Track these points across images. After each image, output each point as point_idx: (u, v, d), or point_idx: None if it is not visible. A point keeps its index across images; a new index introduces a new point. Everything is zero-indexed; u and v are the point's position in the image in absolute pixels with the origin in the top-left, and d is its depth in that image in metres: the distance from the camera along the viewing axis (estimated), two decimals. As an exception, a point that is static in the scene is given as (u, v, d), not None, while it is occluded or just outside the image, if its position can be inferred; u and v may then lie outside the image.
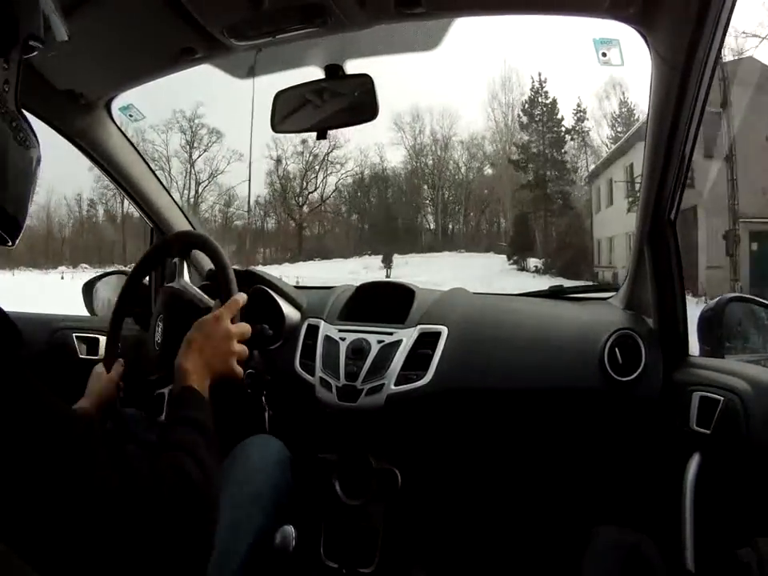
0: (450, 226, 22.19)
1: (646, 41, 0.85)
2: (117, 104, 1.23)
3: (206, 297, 0.93)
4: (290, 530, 0.83)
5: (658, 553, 0.93)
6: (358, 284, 1.34)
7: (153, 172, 1.40)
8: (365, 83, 1.03)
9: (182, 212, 1.48)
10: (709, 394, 0.92)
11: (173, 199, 1.47)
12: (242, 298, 0.83)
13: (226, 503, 0.77)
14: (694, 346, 1.08)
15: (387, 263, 18.40)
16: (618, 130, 18.15)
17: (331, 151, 21.82)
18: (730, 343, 1.11)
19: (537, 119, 19.11)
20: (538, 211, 18.45)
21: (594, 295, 1.34)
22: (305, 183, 22.16)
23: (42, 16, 0.57)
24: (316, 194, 22.43)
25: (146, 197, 1.39)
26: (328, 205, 22.73)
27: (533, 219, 18.57)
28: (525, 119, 19.43)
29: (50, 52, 0.59)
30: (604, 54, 0.96)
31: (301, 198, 22.44)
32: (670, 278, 1.05)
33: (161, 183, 1.43)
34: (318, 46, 1.01)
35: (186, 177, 21.22)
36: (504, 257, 18.36)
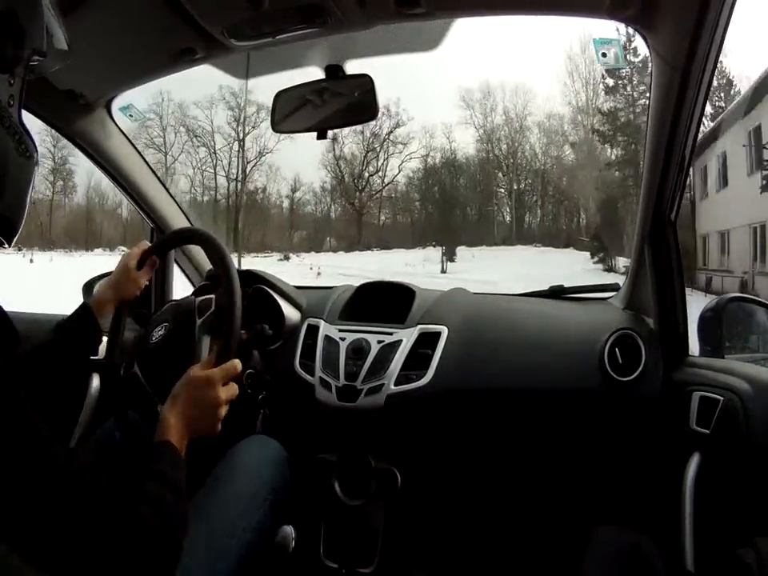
0: (526, 218, 19.73)
1: (646, 41, 0.85)
2: (117, 104, 1.23)
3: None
4: (290, 529, 0.83)
5: (657, 553, 0.93)
6: (357, 284, 1.34)
7: (153, 171, 1.40)
8: (365, 83, 1.03)
9: (182, 211, 1.49)
10: (708, 394, 0.92)
11: (172, 198, 1.47)
12: (238, 364, 0.79)
13: (221, 503, 0.77)
14: (694, 346, 1.08)
15: (449, 256, 17.16)
16: (720, 98, 14.59)
17: (393, 130, 19.75)
18: (729, 343, 1.11)
19: (624, 82, 15.96)
20: (628, 197, 15.05)
21: (594, 295, 1.34)
22: (364, 165, 20.07)
23: (45, 27, 0.59)
24: (377, 179, 20.37)
25: (145, 196, 1.39)
26: (390, 190, 20.62)
27: (622, 207, 15.30)
28: (610, 82, 16.30)
29: (52, 66, 0.61)
30: (604, 54, 0.96)
31: (360, 182, 20.33)
32: (670, 278, 1.05)
33: (161, 182, 1.43)
34: (318, 46, 1.01)
35: (230, 154, 19.86)
36: (587, 254, 15.89)
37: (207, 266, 1.50)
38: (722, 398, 0.89)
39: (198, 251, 1.51)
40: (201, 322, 0.93)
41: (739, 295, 1.13)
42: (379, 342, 1.12)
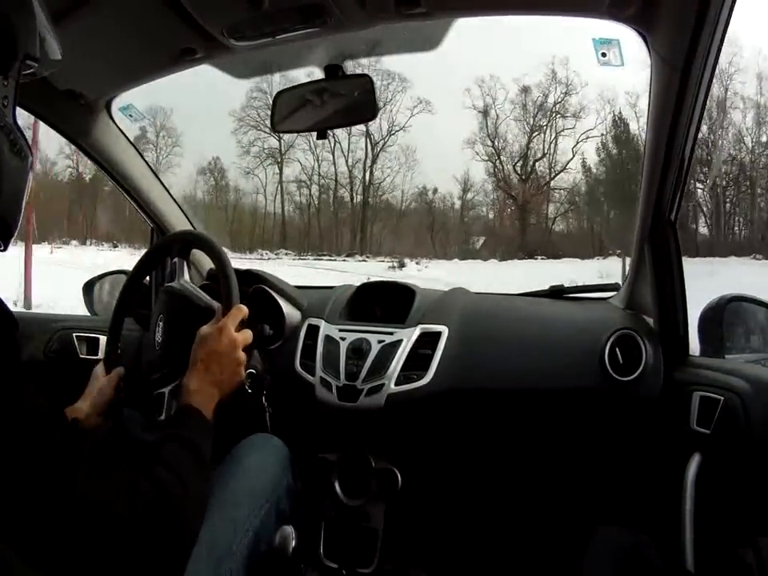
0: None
1: (646, 41, 0.85)
2: (117, 104, 1.23)
3: (206, 296, 0.93)
4: (290, 529, 0.82)
5: (657, 553, 0.93)
6: (358, 284, 1.34)
7: (153, 171, 1.41)
8: (365, 83, 1.03)
9: (182, 211, 1.49)
10: (709, 394, 0.92)
11: (173, 198, 1.47)
12: (244, 308, 0.82)
13: (225, 503, 0.77)
14: (694, 346, 1.08)
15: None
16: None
17: (562, 100, 14.86)
18: (730, 343, 1.11)
19: None
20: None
21: (595, 295, 1.34)
22: (529, 143, 15.01)
23: (38, 36, 0.59)
24: (542, 165, 15.13)
25: (146, 197, 1.39)
26: (562, 180, 15.18)
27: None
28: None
29: (45, 71, 0.61)
30: (604, 54, 0.95)
31: (521, 168, 15.27)
32: (670, 278, 1.05)
33: (161, 183, 1.43)
34: (318, 46, 1.01)
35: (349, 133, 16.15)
36: None
37: (207, 266, 1.50)
38: (722, 398, 0.89)
39: (197, 251, 1.51)
40: (201, 285, 0.92)
41: (739, 295, 1.13)
42: (380, 341, 1.12)
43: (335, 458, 1.14)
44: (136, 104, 1.30)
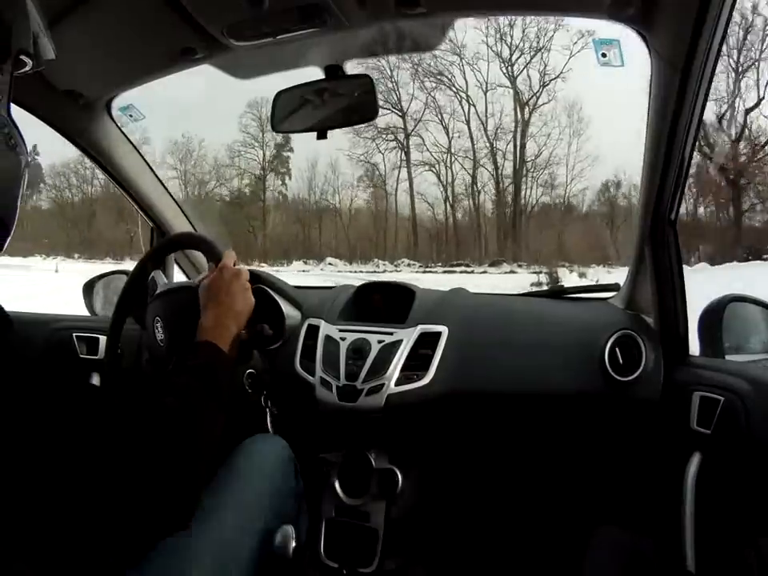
0: None
1: (646, 41, 0.85)
2: (117, 104, 1.24)
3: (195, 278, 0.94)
4: (290, 529, 0.82)
5: (658, 553, 0.93)
6: (358, 284, 1.34)
7: (153, 171, 1.41)
8: (365, 83, 1.03)
9: (182, 211, 1.49)
10: (709, 394, 0.92)
11: (173, 198, 1.47)
12: (233, 252, 0.86)
13: (229, 505, 0.77)
14: (694, 346, 1.08)
15: None
16: None
17: None
18: (730, 343, 1.11)
19: None
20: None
21: (595, 295, 1.34)
22: (737, 84, 9.87)
23: (32, 33, 0.59)
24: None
25: (146, 197, 1.40)
26: None
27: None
28: None
29: (39, 68, 0.61)
30: (604, 55, 0.95)
31: (731, 124, 10.04)
32: (670, 278, 1.05)
33: (161, 183, 1.43)
34: (318, 46, 1.01)
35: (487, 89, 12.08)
36: None
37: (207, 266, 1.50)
38: (722, 398, 0.90)
39: (197, 251, 1.51)
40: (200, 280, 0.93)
41: (739, 295, 1.13)
42: (380, 341, 1.12)
43: (335, 458, 1.14)
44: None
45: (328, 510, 1.14)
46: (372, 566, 1.08)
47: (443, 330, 1.12)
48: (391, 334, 1.13)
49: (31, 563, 0.48)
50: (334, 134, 1.08)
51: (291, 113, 1.09)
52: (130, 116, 1.31)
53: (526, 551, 1.21)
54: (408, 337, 1.11)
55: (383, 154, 16.94)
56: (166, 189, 1.44)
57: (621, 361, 1.05)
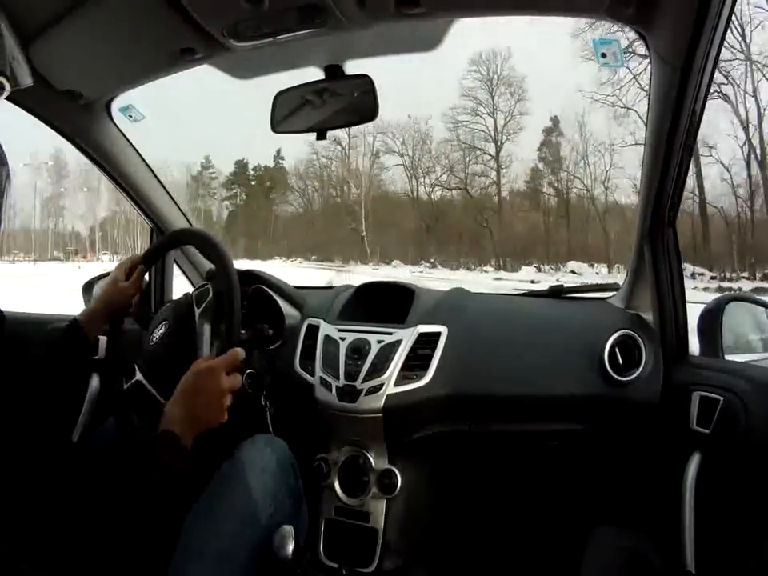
0: None
1: (646, 41, 0.85)
2: (117, 104, 1.23)
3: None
4: (290, 529, 0.82)
5: (657, 553, 0.93)
6: (358, 284, 1.34)
7: (152, 172, 1.41)
8: (365, 83, 1.03)
9: (182, 211, 1.49)
10: (709, 394, 0.92)
11: (172, 199, 1.47)
12: (241, 352, 0.80)
13: (229, 504, 0.77)
14: (694, 346, 1.08)
15: None
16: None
17: None
18: (729, 343, 1.11)
19: None
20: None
21: (594, 295, 1.34)
22: None
23: (9, 62, 0.58)
24: None
25: (145, 197, 1.40)
26: None
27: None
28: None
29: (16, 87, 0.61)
30: (603, 55, 0.96)
31: None
32: (669, 278, 1.05)
33: (160, 183, 1.43)
34: (318, 46, 1.01)
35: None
36: None
37: (207, 265, 1.50)
38: (722, 398, 0.90)
39: (197, 251, 1.51)
40: (200, 311, 0.92)
41: (739, 295, 1.13)
42: (379, 341, 1.12)
43: (335, 458, 1.14)
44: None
45: (327, 510, 1.13)
46: (371, 566, 1.08)
47: (443, 330, 1.12)
48: (391, 334, 1.13)
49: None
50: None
51: (291, 113, 1.09)
52: (130, 116, 1.31)
53: (526, 551, 1.21)
54: (407, 337, 1.11)
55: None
56: (166, 189, 1.44)
57: (620, 360, 1.05)
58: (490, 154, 16.35)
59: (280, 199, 21.83)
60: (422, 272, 16.01)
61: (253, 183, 22.41)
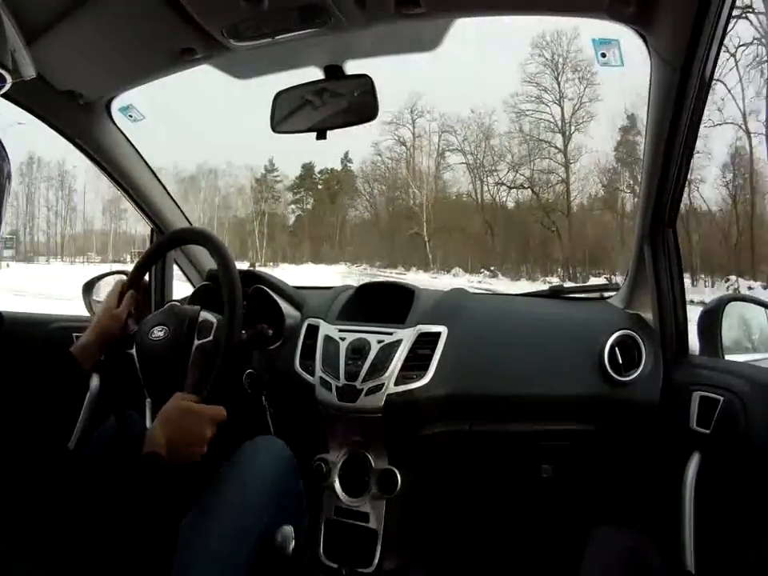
0: None
1: (646, 41, 0.85)
2: (117, 104, 1.23)
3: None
4: (290, 529, 0.82)
5: (657, 553, 0.93)
6: (358, 284, 1.34)
7: (152, 172, 1.41)
8: (365, 83, 1.03)
9: (182, 212, 1.49)
10: (709, 394, 0.92)
11: (172, 199, 1.47)
12: (223, 411, 0.79)
13: (229, 505, 0.77)
14: (694, 346, 1.08)
15: None
16: None
17: None
18: (729, 343, 1.11)
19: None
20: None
21: (594, 295, 1.34)
22: None
23: (10, 52, 0.58)
24: None
25: (145, 197, 1.40)
26: None
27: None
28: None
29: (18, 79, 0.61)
30: (603, 55, 0.96)
31: None
32: (669, 278, 1.05)
33: (160, 183, 1.43)
34: (318, 46, 1.01)
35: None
36: None
37: (207, 266, 1.50)
38: (722, 398, 0.90)
39: (197, 251, 1.51)
40: (198, 344, 0.90)
41: (739, 295, 1.14)
42: (379, 341, 1.11)
43: (335, 458, 1.14)
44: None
45: (328, 510, 1.14)
46: (371, 566, 1.08)
47: (443, 330, 1.12)
48: (391, 334, 1.13)
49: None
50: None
51: (291, 113, 1.09)
52: (130, 116, 1.31)
53: (526, 551, 1.21)
54: (407, 337, 1.11)
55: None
56: (166, 189, 1.44)
57: (620, 360, 1.05)
58: (556, 147, 14.82)
59: (347, 203, 21.40)
60: (480, 281, 14.76)
61: (320, 187, 22.01)
